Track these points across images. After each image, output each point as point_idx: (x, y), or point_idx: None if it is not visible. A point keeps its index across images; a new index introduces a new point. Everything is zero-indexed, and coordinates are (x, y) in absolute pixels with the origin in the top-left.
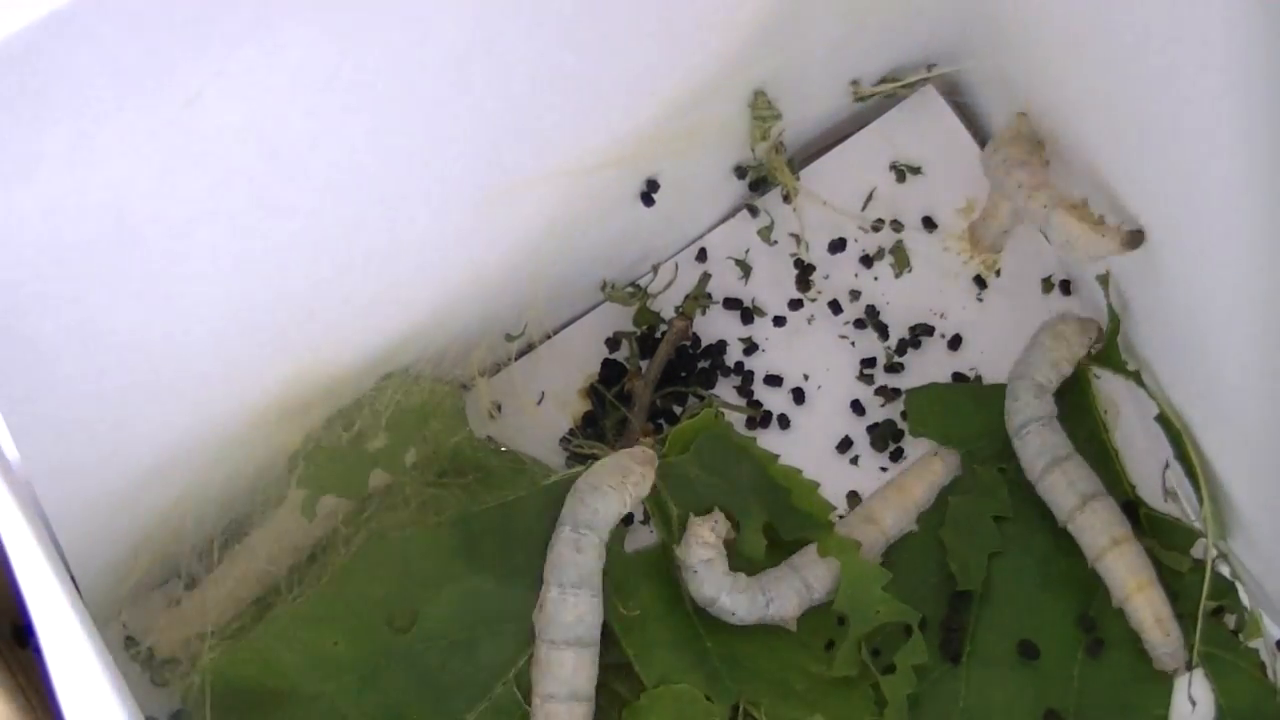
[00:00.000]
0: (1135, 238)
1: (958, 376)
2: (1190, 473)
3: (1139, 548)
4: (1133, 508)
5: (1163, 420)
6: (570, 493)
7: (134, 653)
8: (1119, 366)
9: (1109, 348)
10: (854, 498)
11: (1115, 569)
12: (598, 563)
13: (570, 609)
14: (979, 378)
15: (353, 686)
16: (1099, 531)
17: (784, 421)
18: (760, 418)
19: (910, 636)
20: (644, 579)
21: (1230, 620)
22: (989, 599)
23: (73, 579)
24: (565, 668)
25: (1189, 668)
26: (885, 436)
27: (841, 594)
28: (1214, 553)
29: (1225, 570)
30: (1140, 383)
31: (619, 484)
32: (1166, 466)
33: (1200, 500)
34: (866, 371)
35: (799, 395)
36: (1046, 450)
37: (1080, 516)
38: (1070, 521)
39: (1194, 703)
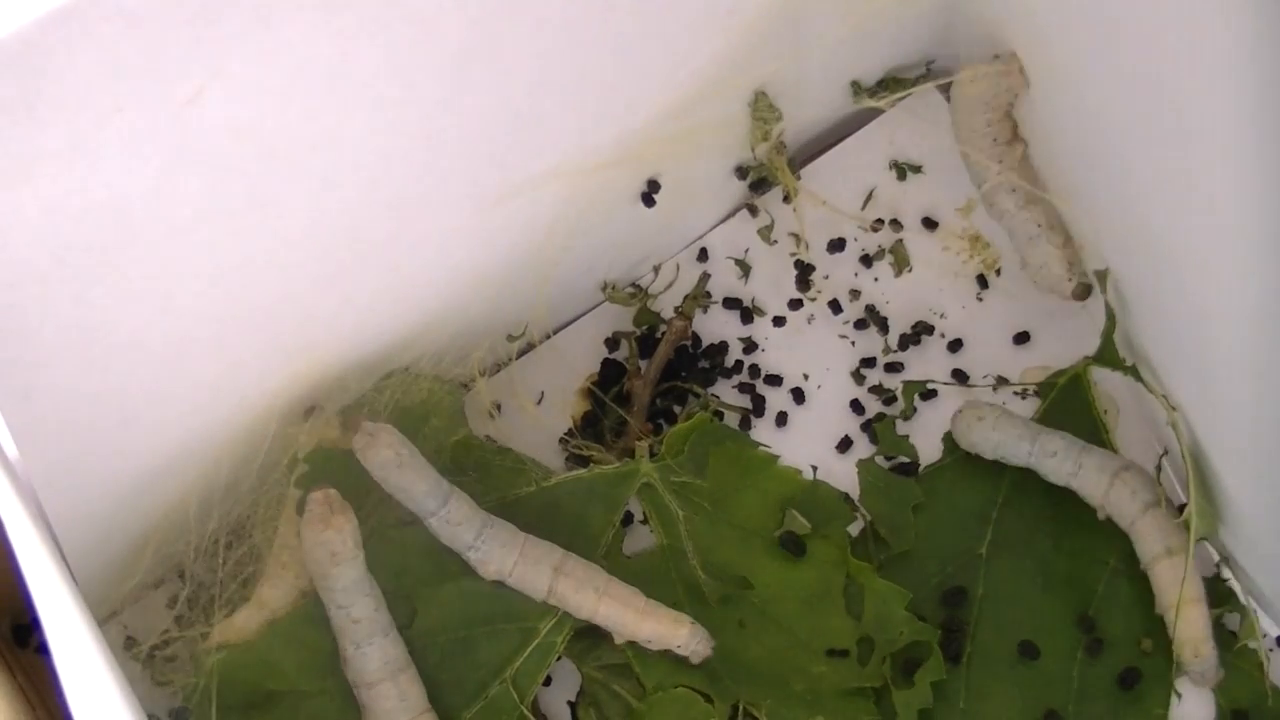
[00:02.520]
0: (1085, 290)
1: (958, 375)
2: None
3: (1192, 572)
4: None
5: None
6: (313, 578)
7: (135, 652)
8: (1116, 363)
9: (1106, 345)
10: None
11: (1162, 579)
12: (377, 612)
13: (374, 657)
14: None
15: (351, 685)
16: (1157, 541)
17: (784, 421)
18: (757, 415)
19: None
20: (643, 580)
21: (1231, 620)
22: (989, 599)
23: (73, 578)
24: (391, 698)
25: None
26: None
27: (866, 615)
28: (1214, 557)
29: (1215, 561)
30: (1138, 377)
31: (337, 560)
32: (1164, 453)
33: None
34: (866, 371)
35: (799, 395)
36: (1107, 465)
37: (1141, 523)
38: (1132, 528)
39: (1179, 695)
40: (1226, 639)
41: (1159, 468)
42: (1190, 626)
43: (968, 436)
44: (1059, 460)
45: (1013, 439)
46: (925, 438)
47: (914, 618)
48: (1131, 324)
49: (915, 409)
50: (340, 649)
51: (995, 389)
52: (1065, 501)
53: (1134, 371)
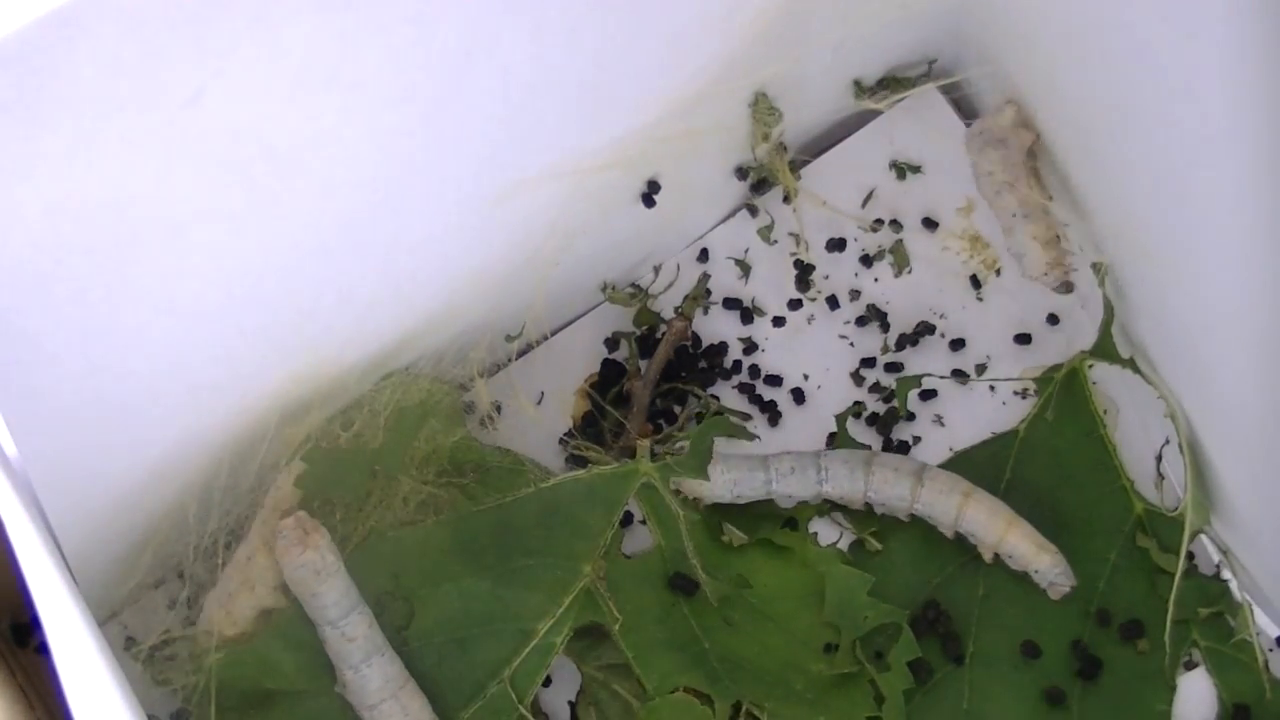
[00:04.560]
0: (1067, 288)
1: (958, 375)
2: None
3: (987, 493)
4: (1130, 503)
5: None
6: (301, 600)
7: (135, 652)
8: (1114, 356)
9: (1104, 338)
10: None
11: (979, 517)
12: (371, 629)
13: (373, 679)
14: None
15: None
16: (948, 493)
17: (784, 421)
18: (757, 415)
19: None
20: (642, 581)
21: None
22: (990, 599)
23: (73, 578)
24: (395, 716)
25: (1189, 666)
26: (887, 426)
27: (829, 603)
28: (1217, 552)
29: (1217, 559)
30: (1136, 369)
31: (322, 576)
32: (1164, 443)
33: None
34: (866, 371)
35: (799, 395)
36: (854, 460)
37: (923, 491)
38: (916, 502)
39: (1172, 687)
40: (1227, 633)
41: (1159, 458)
42: (1026, 539)
43: (714, 492)
44: (799, 475)
45: (745, 473)
46: (926, 437)
47: (877, 601)
48: (1130, 319)
49: (913, 414)
50: (338, 674)
51: (994, 389)
52: (1064, 501)
53: (1132, 364)
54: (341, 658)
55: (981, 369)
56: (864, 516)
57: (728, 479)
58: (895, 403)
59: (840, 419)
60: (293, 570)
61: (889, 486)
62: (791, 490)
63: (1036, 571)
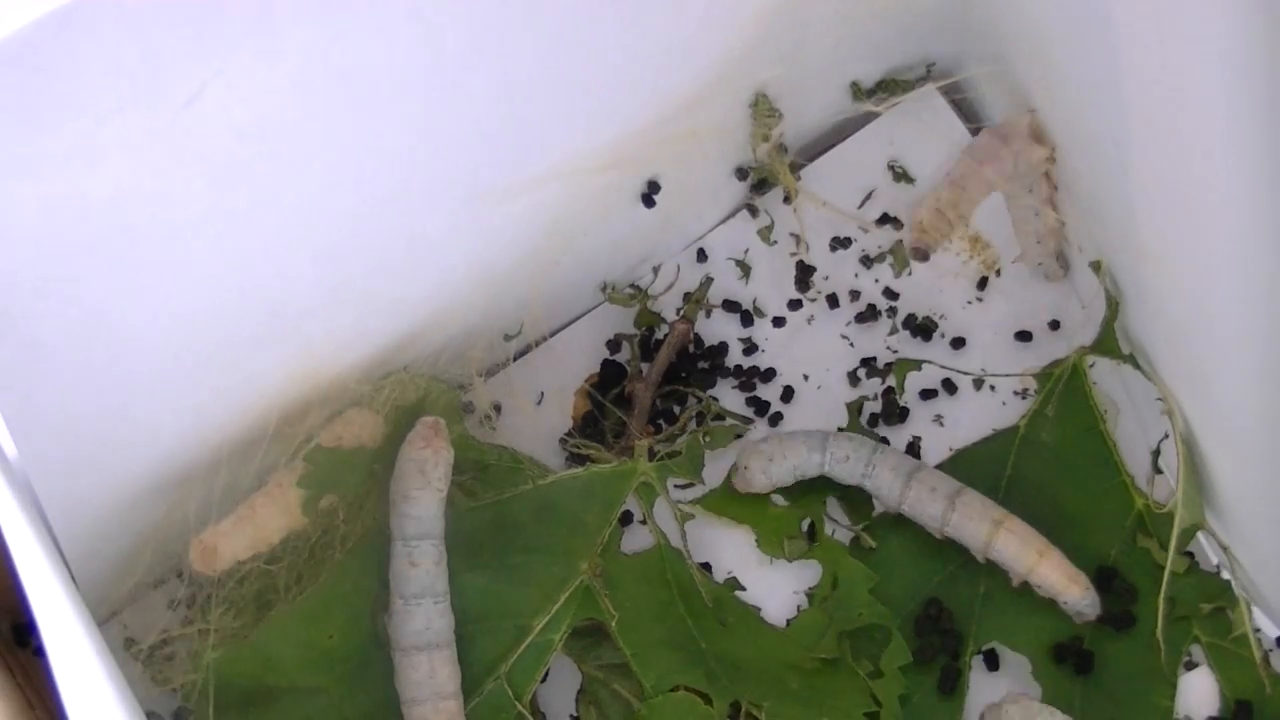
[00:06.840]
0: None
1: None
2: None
3: (1021, 521)
4: (1130, 499)
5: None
6: (390, 505)
7: (134, 652)
8: (1115, 352)
9: (1105, 334)
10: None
11: (1009, 546)
12: (436, 567)
13: (417, 618)
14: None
15: (347, 680)
16: (980, 519)
17: (784, 421)
18: (757, 415)
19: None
20: (640, 579)
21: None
22: (991, 597)
23: (73, 578)
24: (420, 670)
25: (1189, 667)
26: (886, 418)
27: (840, 591)
28: (1213, 559)
29: (1215, 558)
30: (1137, 366)
31: (424, 483)
32: (1163, 438)
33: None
34: (866, 372)
35: (799, 396)
36: (901, 468)
37: (954, 515)
38: (946, 525)
39: (1173, 683)
40: (1228, 629)
41: (1155, 454)
42: (1059, 569)
43: (765, 476)
44: (851, 463)
45: (803, 454)
46: (926, 437)
47: (875, 601)
48: (1129, 319)
49: (906, 408)
50: (390, 602)
51: (994, 388)
52: (1064, 497)
53: (1132, 360)
54: (398, 582)
55: (982, 370)
56: (859, 514)
57: (787, 464)
58: (893, 383)
59: (852, 408)
60: (404, 460)
61: (923, 505)
62: (840, 475)
63: (1066, 602)
